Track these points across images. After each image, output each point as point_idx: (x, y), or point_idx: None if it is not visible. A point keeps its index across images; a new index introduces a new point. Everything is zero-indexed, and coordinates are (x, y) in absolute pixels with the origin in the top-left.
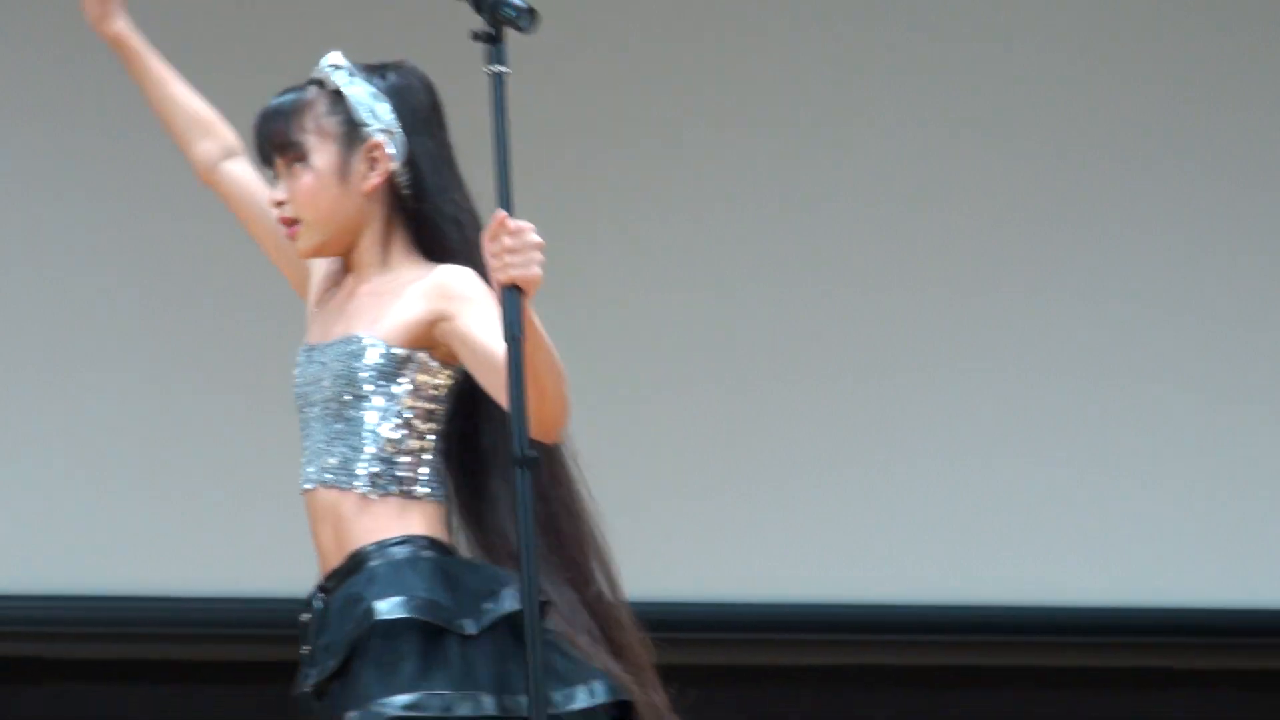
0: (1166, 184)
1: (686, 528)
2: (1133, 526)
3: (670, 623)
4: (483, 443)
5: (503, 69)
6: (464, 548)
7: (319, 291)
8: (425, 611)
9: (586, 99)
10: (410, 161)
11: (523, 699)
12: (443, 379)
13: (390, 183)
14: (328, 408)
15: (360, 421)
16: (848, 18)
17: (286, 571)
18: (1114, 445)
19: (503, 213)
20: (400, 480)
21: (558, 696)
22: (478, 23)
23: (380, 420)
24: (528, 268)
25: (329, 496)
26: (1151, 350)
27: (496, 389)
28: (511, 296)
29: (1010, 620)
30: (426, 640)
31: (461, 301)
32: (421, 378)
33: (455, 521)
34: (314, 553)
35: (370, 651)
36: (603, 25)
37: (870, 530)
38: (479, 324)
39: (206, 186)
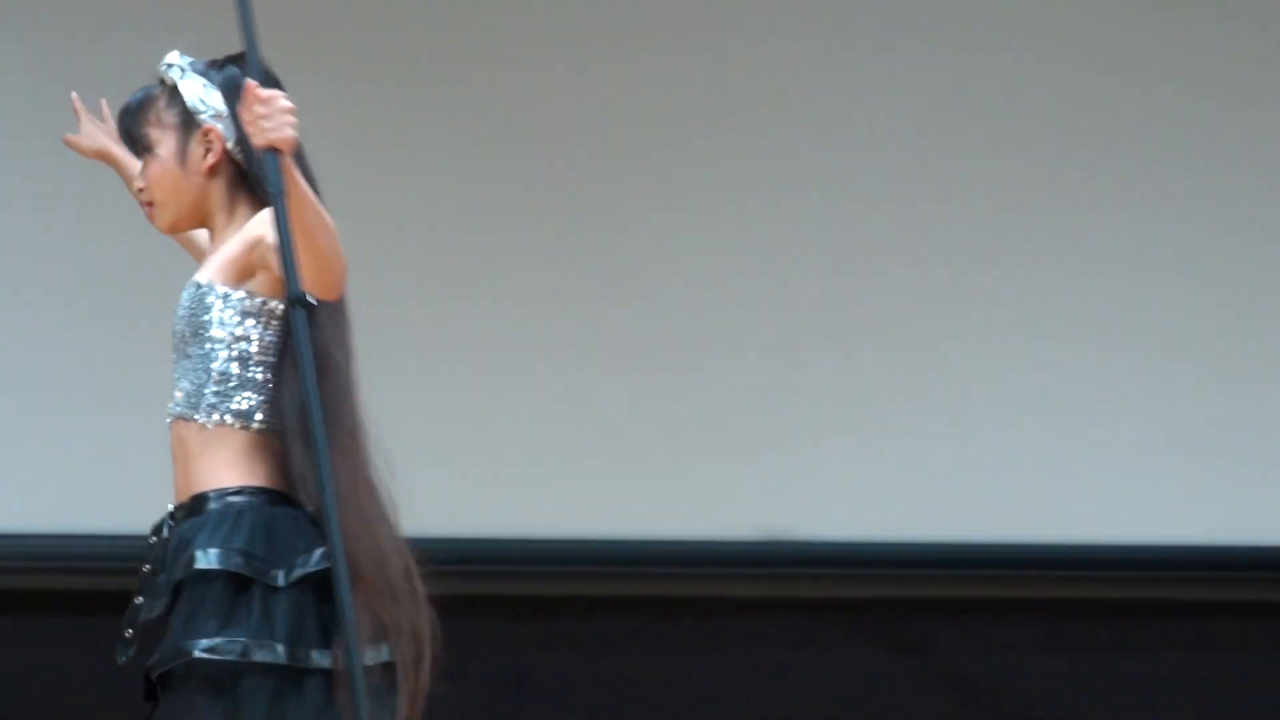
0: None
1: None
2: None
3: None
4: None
5: None
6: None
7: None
8: (237, 564)
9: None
10: (242, 139)
11: (314, 651)
12: (274, 303)
13: (228, 158)
14: (179, 347)
15: (202, 357)
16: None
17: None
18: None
19: (252, 82)
20: (238, 413)
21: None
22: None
23: (217, 354)
24: (281, 130)
25: (179, 429)
26: (1169, 311)
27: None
28: (271, 158)
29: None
30: (236, 590)
31: (268, 224)
32: (251, 314)
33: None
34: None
35: (186, 597)
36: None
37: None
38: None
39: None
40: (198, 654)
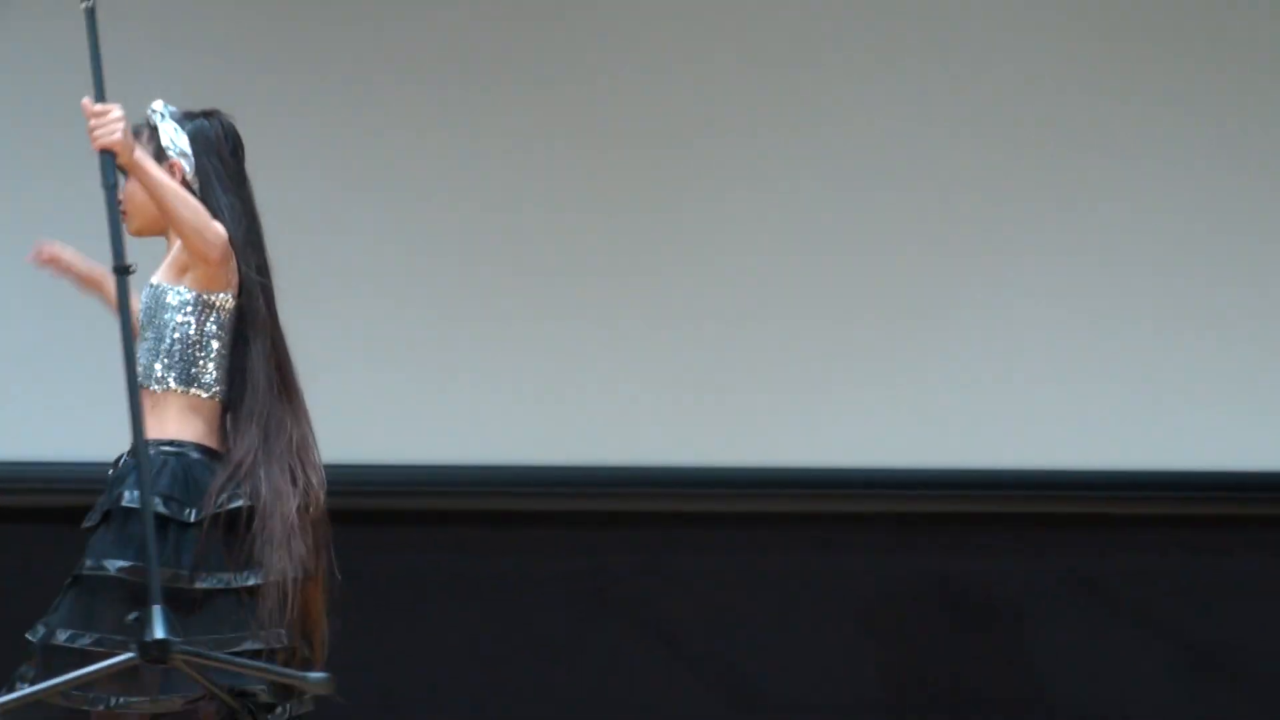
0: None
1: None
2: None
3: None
4: (251, 350)
5: (91, 4)
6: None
7: None
8: (160, 505)
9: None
10: (199, 172)
11: (216, 575)
12: (220, 303)
13: (186, 185)
14: (141, 333)
15: (155, 340)
16: None
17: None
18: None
19: (86, 100)
20: (181, 380)
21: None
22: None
23: (165, 337)
24: (111, 135)
25: (146, 394)
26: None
27: (202, 264)
28: (104, 158)
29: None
30: (155, 524)
31: None
32: (190, 304)
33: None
34: None
35: (114, 523)
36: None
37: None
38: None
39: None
40: (113, 573)
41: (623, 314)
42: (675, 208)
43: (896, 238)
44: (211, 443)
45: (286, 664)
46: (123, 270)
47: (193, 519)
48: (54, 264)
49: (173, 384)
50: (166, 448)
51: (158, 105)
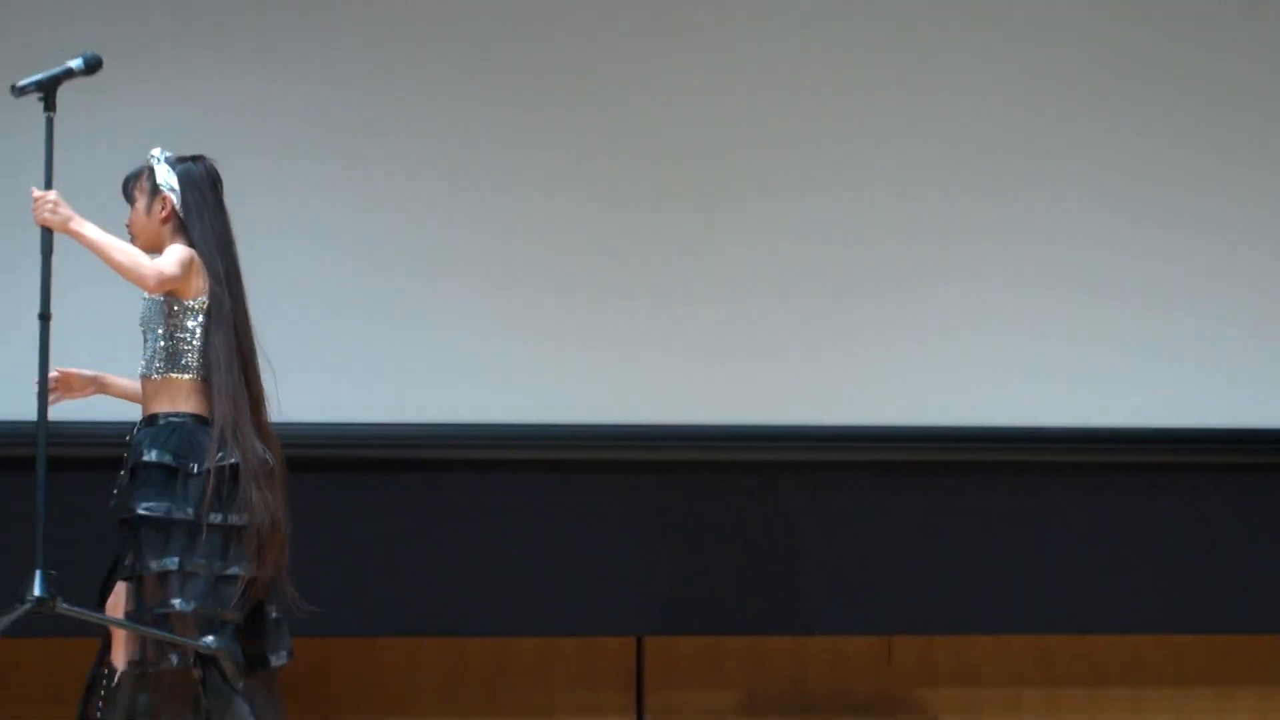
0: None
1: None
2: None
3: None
4: (217, 339)
5: (50, 115)
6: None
7: None
8: (168, 460)
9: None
10: (184, 204)
11: (215, 513)
12: (194, 306)
13: (175, 215)
14: (142, 334)
15: (153, 339)
16: None
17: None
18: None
19: (33, 187)
20: (173, 368)
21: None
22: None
23: (158, 337)
24: (41, 215)
25: (142, 381)
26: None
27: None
28: (43, 232)
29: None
30: (167, 474)
31: (169, 256)
32: (176, 309)
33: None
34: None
35: (137, 476)
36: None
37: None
38: (165, 260)
39: None
40: (140, 511)
41: (667, 294)
42: (704, 206)
43: (895, 238)
44: (204, 413)
45: (252, 591)
46: (44, 317)
47: (195, 471)
48: (63, 390)
49: (166, 371)
50: (174, 418)
51: (156, 151)
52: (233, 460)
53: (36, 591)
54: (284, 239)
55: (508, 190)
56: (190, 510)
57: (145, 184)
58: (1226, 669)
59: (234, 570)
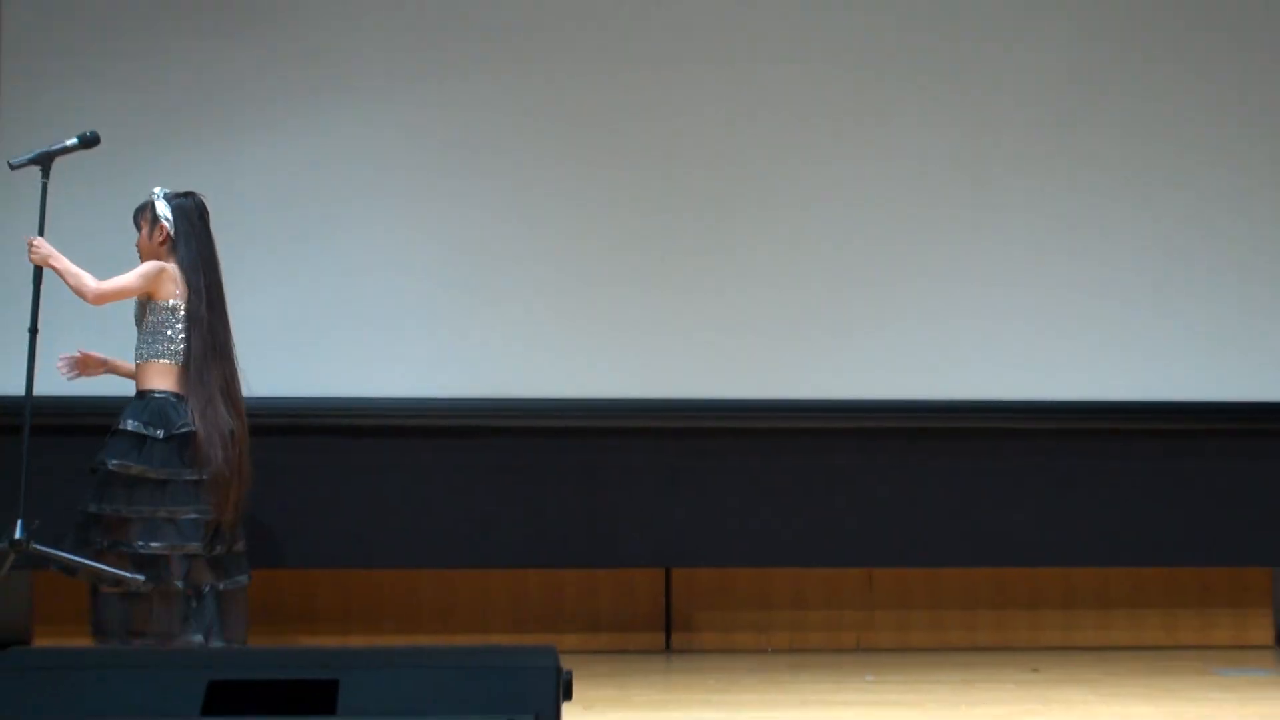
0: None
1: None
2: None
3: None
4: (195, 332)
5: (45, 181)
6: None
7: None
8: (136, 427)
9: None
10: (177, 231)
11: (184, 469)
12: (168, 306)
13: (169, 239)
14: (137, 327)
15: (143, 331)
16: None
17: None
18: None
19: (27, 235)
20: (158, 354)
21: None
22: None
23: (147, 329)
24: (31, 256)
25: (137, 364)
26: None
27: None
28: (34, 268)
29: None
30: (137, 439)
31: (144, 271)
32: (152, 308)
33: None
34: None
35: (116, 438)
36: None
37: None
38: (127, 275)
39: None
40: (111, 466)
41: (708, 285)
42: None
43: (892, 235)
44: (181, 390)
45: (215, 532)
46: (32, 331)
47: (160, 436)
48: (81, 368)
49: (148, 357)
50: (155, 395)
51: (157, 190)
52: (192, 428)
53: (18, 535)
54: (385, 235)
55: (543, 196)
56: (158, 468)
57: (148, 214)
58: (1142, 594)
59: (192, 515)
